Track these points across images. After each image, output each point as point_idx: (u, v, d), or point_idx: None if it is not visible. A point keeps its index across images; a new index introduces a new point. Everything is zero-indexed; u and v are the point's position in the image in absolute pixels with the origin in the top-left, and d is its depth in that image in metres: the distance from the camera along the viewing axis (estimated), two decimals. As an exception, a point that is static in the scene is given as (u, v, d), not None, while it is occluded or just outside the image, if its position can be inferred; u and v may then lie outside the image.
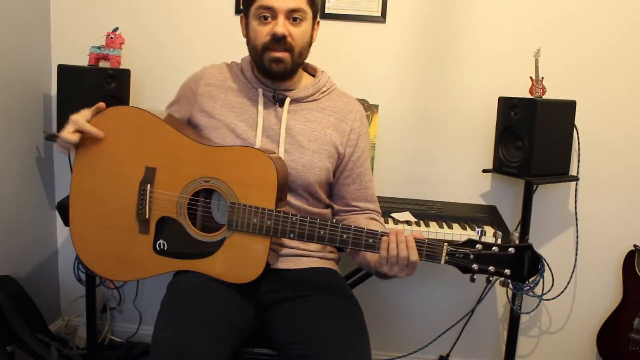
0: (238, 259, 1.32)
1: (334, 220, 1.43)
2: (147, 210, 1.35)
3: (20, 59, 2.09)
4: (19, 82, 2.08)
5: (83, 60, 2.04)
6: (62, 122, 2.01)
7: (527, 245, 1.21)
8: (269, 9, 1.36)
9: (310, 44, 1.46)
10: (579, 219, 2.18)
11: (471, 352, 2.33)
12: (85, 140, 1.36)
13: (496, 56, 2.14)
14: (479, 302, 2.27)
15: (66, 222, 1.89)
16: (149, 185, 1.35)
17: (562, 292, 2.15)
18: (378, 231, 1.25)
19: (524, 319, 2.27)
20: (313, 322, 1.31)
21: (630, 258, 2.13)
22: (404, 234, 1.24)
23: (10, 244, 2.07)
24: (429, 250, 1.23)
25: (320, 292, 1.39)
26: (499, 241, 1.22)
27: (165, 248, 1.35)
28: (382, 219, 1.56)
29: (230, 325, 1.27)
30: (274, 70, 1.41)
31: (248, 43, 1.45)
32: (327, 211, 1.53)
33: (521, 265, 1.21)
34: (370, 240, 1.25)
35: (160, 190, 1.35)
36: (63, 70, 2.00)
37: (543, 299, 2.11)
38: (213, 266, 1.33)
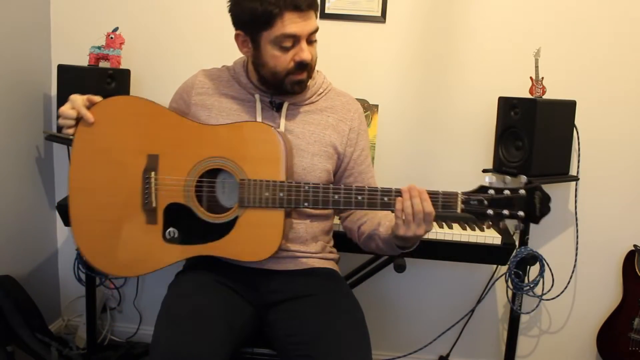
0: (253, 237, 1.30)
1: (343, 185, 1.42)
2: (153, 199, 1.30)
3: (21, 59, 2.09)
4: (20, 82, 2.08)
5: (83, 60, 2.04)
6: (62, 122, 2.04)
7: (536, 186, 1.23)
8: (293, 36, 1.31)
9: None
10: (579, 219, 2.17)
11: (471, 352, 2.33)
12: (82, 133, 1.31)
13: (496, 56, 2.14)
14: (479, 302, 2.27)
15: (66, 222, 1.90)
16: (152, 172, 1.31)
17: (562, 292, 2.15)
18: (392, 188, 1.25)
19: (524, 319, 2.27)
20: (313, 323, 1.31)
21: (630, 258, 2.13)
22: (417, 188, 1.24)
23: (10, 244, 2.07)
24: (444, 200, 1.25)
25: (320, 292, 1.39)
26: (509, 185, 1.24)
27: (176, 235, 1.31)
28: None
29: (229, 326, 1.27)
30: (296, 91, 1.40)
31: (262, 66, 1.38)
32: (330, 211, 1.52)
33: (533, 205, 1.23)
34: (386, 199, 1.25)
35: (165, 177, 1.31)
36: (63, 70, 2.00)
37: (543, 299, 2.11)
38: (227, 247, 1.30)
